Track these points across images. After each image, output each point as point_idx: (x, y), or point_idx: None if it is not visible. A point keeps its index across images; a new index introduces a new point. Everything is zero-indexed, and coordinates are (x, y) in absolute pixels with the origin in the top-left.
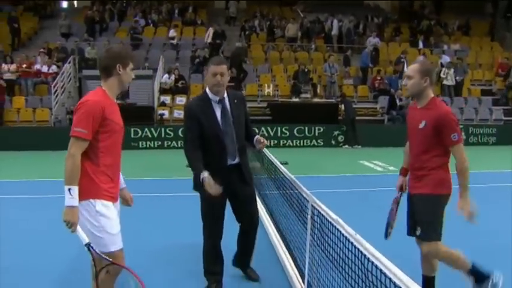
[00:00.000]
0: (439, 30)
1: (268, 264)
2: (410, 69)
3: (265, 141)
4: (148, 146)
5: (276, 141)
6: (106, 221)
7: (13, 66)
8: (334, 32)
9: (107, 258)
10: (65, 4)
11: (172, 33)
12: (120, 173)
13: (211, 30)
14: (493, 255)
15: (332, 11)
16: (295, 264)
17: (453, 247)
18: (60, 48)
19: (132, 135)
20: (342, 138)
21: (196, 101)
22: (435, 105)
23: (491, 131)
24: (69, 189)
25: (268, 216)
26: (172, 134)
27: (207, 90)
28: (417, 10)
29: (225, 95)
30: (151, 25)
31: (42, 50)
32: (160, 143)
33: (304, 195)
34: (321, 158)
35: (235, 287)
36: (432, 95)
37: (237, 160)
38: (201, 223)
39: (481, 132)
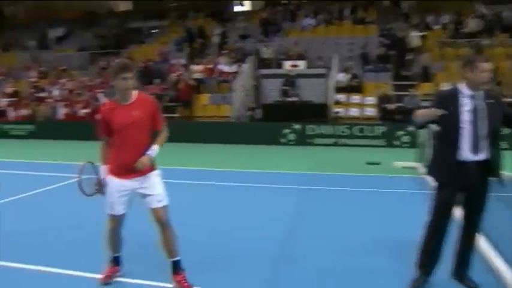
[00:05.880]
0: None
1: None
2: None
3: None
4: (323, 142)
5: None
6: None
7: (200, 67)
8: None
9: None
10: (239, 8)
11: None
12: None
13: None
14: None
15: None
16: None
17: None
18: (239, 49)
19: (308, 132)
20: None
21: (446, 91)
22: None
23: None
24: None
25: None
26: (347, 131)
27: (461, 84)
28: None
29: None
30: (323, 25)
31: (224, 51)
32: (335, 140)
33: None
34: None
35: None
36: None
37: (481, 156)
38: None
39: None
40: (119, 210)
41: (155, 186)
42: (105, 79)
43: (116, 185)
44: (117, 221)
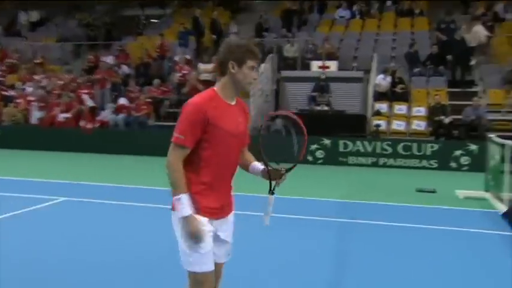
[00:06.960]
0: None
1: None
2: None
3: None
4: (359, 162)
5: None
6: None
7: (210, 66)
8: None
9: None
10: None
11: None
12: None
13: None
14: None
15: None
16: None
17: None
18: (257, 45)
19: (340, 149)
20: None
21: None
22: None
23: None
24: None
25: None
26: (390, 149)
27: None
28: None
29: None
30: (358, 17)
31: None
32: (374, 159)
33: None
34: None
35: None
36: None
37: None
38: None
39: None
40: (211, 265)
41: (231, 232)
42: (93, 77)
43: (209, 228)
44: (212, 281)
